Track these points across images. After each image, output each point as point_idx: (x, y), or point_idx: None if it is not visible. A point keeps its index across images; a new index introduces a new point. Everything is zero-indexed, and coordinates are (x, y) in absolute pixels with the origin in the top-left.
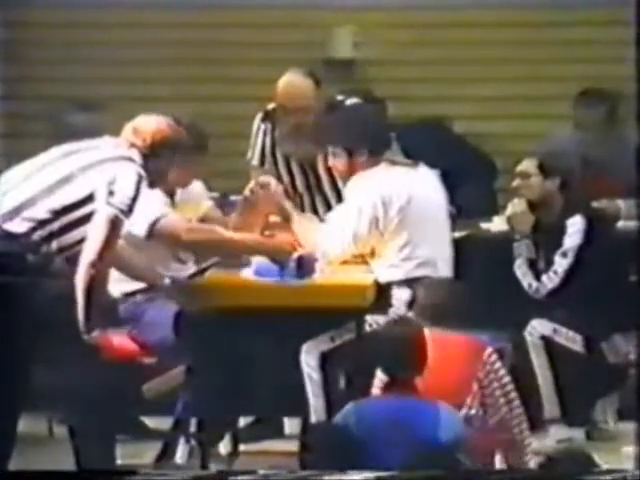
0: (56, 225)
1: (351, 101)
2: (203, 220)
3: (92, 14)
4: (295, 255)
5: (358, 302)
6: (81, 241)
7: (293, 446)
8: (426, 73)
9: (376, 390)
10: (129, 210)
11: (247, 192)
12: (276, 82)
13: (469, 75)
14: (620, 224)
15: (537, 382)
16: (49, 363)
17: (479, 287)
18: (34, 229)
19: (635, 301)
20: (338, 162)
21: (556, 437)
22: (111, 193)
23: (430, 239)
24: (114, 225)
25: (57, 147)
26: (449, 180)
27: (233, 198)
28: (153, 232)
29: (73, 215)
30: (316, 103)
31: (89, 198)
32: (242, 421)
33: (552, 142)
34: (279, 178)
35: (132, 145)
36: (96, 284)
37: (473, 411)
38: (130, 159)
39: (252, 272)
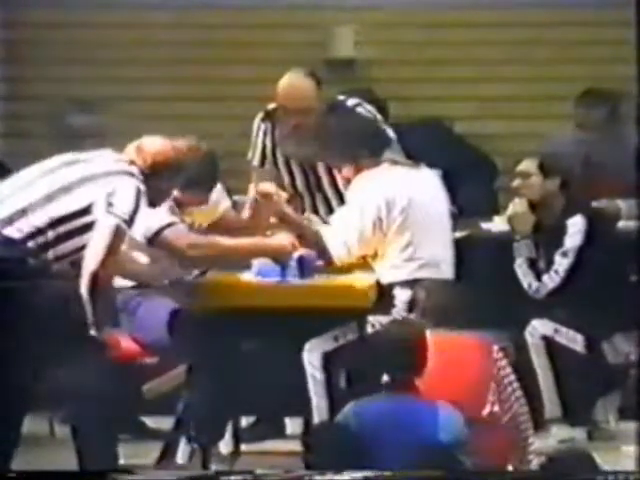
0: (52, 234)
1: (352, 101)
2: (219, 223)
3: (92, 14)
4: (296, 255)
5: (360, 303)
6: (76, 251)
7: (294, 446)
8: (426, 73)
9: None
10: (130, 220)
11: (249, 201)
12: (277, 82)
13: (469, 75)
14: (620, 224)
15: (538, 382)
16: (50, 364)
17: (479, 287)
18: (32, 235)
19: (635, 301)
20: (344, 171)
21: (557, 437)
22: (110, 204)
23: (432, 240)
24: (116, 234)
25: (58, 155)
26: (449, 180)
27: (235, 198)
28: (155, 242)
29: (70, 225)
30: (317, 104)
31: (87, 209)
32: (244, 421)
33: (553, 142)
34: (279, 178)
35: (132, 162)
36: (101, 290)
37: (496, 407)
38: (130, 174)
39: (254, 273)
